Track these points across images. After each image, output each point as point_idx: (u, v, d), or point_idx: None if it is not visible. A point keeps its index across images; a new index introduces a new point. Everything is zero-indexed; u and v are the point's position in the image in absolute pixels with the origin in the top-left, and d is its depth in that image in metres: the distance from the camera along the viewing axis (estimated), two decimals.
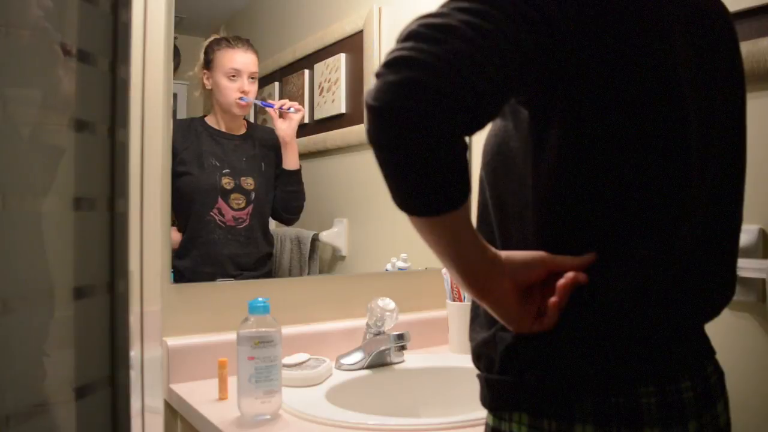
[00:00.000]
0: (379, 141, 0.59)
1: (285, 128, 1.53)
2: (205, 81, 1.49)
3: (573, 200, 0.67)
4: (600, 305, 0.67)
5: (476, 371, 0.76)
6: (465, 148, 0.60)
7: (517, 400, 0.69)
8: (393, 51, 0.58)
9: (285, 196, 1.55)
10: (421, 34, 0.58)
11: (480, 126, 0.61)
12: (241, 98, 1.48)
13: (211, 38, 1.50)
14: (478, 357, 0.75)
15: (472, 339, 0.77)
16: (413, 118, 0.56)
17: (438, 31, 0.57)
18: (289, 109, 1.53)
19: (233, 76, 1.49)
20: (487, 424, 0.73)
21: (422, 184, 0.60)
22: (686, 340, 0.73)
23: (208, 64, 1.48)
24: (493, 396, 0.72)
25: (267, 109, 1.54)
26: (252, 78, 1.51)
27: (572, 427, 0.66)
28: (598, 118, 0.66)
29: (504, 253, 0.68)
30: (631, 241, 0.67)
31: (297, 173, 1.55)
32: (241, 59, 1.49)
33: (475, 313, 0.78)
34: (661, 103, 0.68)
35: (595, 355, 0.67)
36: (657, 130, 0.67)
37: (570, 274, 0.65)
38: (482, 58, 0.57)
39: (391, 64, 0.58)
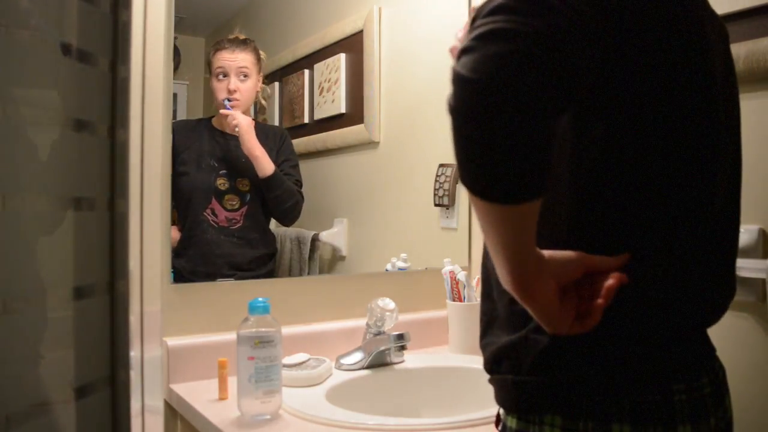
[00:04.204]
0: (474, 116, 0.55)
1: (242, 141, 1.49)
2: (209, 84, 1.51)
3: (612, 198, 0.66)
4: (636, 303, 0.67)
5: (479, 372, 0.75)
6: (555, 135, 0.58)
7: (552, 402, 0.67)
8: (483, 24, 0.56)
9: (270, 203, 1.53)
10: (513, 8, 0.55)
11: (570, 106, 0.58)
12: (225, 100, 1.48)
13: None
14: (499, 360, 0.73)
15: (489, 344, 0.75)
16: (519, 92, 0.53)
17: (532, 5, 0.55)
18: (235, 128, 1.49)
19: (221, 75, 1.49)
20: (509, 428, 0.71)
21: (514, 166, 0.56)
22: (699, 338, 0.74)
23: (208, 67, 1.51)
24: (522, 398, 0.70)
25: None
26: (244, 75, 1.50)
27: (609, 427, 0.65)
28: (643, 118, 0.66)
29: (546, 253, 0.65)
30: (659, 241, 0.68)
31: (271, 179, 1.50)
32: (226, 57, 1.50)
33: (491, 317, 0.76)
34: (700, 108, 0.68)
35: (633, 353, 0.67)
36: (692, 135, 0.68)
37: (616, 275, 0.64)
38: (578, 36, 0.56)
39: (486, 36, 0.54)
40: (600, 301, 0.63)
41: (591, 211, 0.67)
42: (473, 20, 0.59)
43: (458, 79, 0.55)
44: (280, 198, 1.53)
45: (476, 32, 0.56)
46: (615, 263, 0.65)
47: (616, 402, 0.66)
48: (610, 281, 0.63)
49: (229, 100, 1.48)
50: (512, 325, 0.72)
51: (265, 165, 1.50)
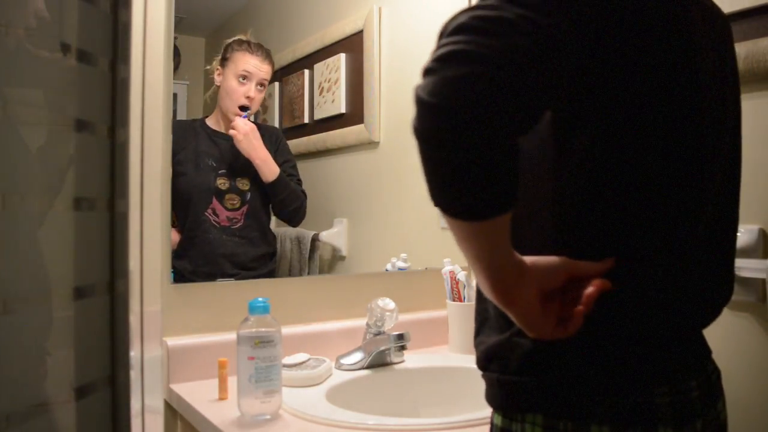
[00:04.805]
0: (434, 139, 0.55)
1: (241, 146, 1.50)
2: (216, 77, 1.50)
3: (598, 203, 0.66)
4: (619, 308, 0.67)
5: (478, 372, 0.76)
6: (519, 149, 0.58)
7: (534, 402, 0.68)
8: (444, 45, 0.56)
9: (276, 206, 1.54)
10: (475, 27, 0.55)
11: (535, 124, 0.58)
12: (243, 109, 1.49)
13: (236, 37, 1.51)
14: (489, 359, 0.74)
15: (481, 342, 0.76)
16: (477, 115, 0.53)
17: (493, 24, 0.55)
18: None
19: (243, 78, 1.49)
20: (494, 425, 0.72)
21: (478, 185, 0.57)
22: (692, 340, 0.74)
23: (224, 61, 1.50)
24: (506, 397, 0.71)
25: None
26: (261, 86, 1.52)
27: (589, 428, 0.65)
28: (630, 123, 0.65)
29: (528, 259, 0.66)
30: (648, 244, 0.67)
31: (275, 183, 1.52)
32: (254, 63, 1.50)
33: (484, 317, 0.76)
34: (687, 111, 0.68)
35: (614, 356, 0.67)
36: (681, 137, 0.68)
37: (597, 282, 0.64)
38: (541, 54, 0.55)
39: (446, 58, 0.55)
40: (580, 308, 0.64)
41: (588, 212, 0.67)
42: (439, 37, 0.59)
43: (418, 102, 0.56)
44: (285, 201, 1.54)
45: (437, 53, 0.56)
46: (600, 268, 0.66)
47: (597, 403, 0.66)
48: (590, 289, 0.64)
49: (245, 109, 1.49)
50: (500, 326, 0.73)
51: (268, 170, 1.51)
